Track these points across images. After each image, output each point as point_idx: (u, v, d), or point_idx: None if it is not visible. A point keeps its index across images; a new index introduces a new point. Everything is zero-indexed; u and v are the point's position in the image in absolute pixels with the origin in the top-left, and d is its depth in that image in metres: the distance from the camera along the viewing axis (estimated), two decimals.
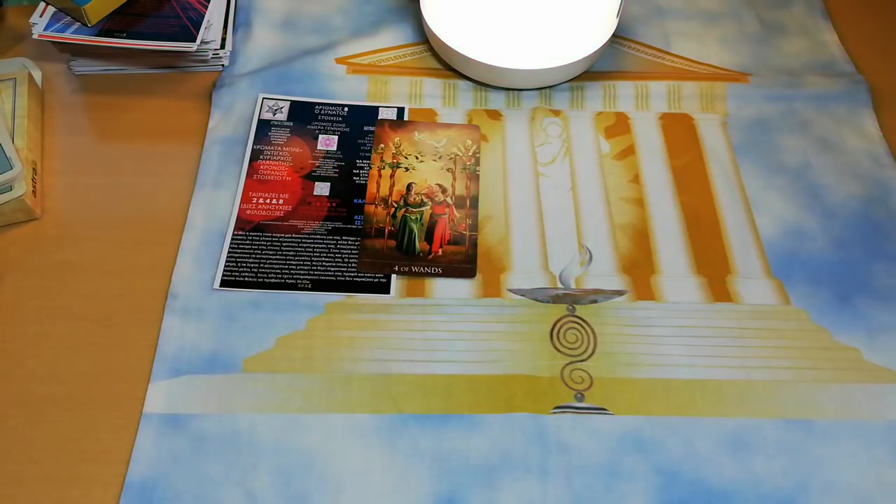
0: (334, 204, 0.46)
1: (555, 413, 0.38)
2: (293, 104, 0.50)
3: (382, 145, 0.48)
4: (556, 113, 0.51)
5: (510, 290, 0.42)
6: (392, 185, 0.47)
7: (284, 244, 0.44)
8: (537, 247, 0.44)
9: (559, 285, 0.43)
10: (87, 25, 0.48)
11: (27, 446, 0.37)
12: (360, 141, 0.49)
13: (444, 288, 0.42)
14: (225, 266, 0.43)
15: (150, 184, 0.46)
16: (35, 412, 0.38)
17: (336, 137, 0.49)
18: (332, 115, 0.50)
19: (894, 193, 0.47)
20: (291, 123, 0.49)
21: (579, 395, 0.39)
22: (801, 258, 0.44)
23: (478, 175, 0.47)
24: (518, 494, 0.35)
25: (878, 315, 0.42)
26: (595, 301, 0.42)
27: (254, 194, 0.46)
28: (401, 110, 0.51)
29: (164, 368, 0.39)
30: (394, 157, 0.48)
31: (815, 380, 0.39)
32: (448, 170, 0.47)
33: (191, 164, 0.47)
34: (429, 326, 0.41)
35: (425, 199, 0.46)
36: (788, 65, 0.54)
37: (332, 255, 0.43)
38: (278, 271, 0.43)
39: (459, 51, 0.50)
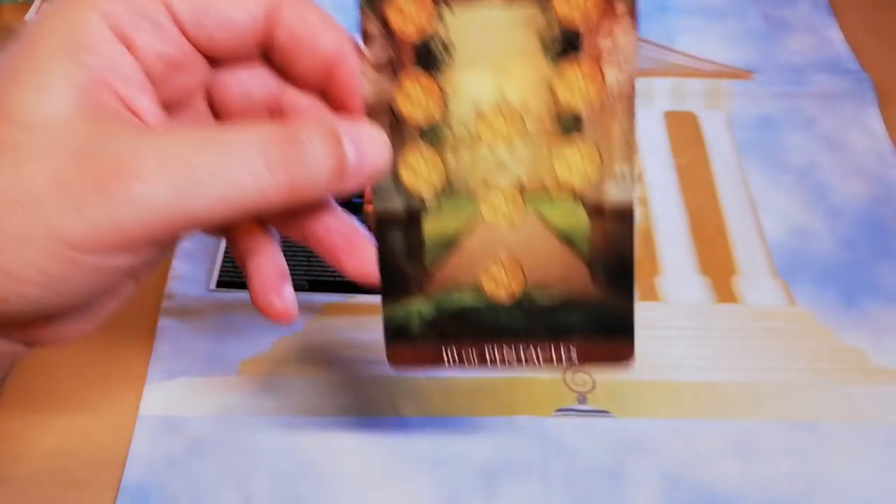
0: None
1: (556, 416, 0.37)
2: None
3: None
4: None
5: None
6: None
7: (282, 244, 0.43)
8: None
9: None
10: None
11: (21, 448, 0.36)
12: None
13: None
14: (221, 266, 0.42)
15: None
16: (29, 415, 0.37)
17: None
18: None
19: None
20: None
21: (581, 398, 0.38)
22: (806, 258, 0.44)
23: None
24: (519, 498, 0.35)
25: (884, 316, 0.41)
26: None
27: None
28: None
29: (159, 370, 0.38)
30: None
31: (820, 381, 0.39)
32: None
33: None
34: None
35: None
36: (793, 62, 0.53)
37: None
38: None
39: None
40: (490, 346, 0.23)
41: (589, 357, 0.23)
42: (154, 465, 0.36)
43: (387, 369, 0.38)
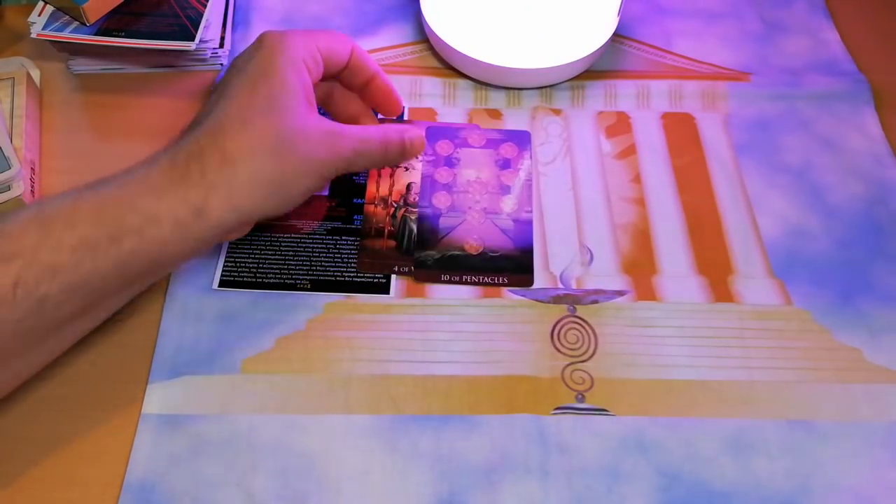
0: (333, 204, 0.46)
1: (555, 414, 0.38)
2: None
3: None
4: (557, 112, 0.51)
5: (510, 291, 0.42)
6: (392, 185, 0.46)
7: (283, 244, 0.44)
8: (537, 247, 0.44)
9: (560, 285, 0.42)
10: (85, 24, 0.48)
11: (25, 447, 0.36)
12: None
13: (444, 288, 0.42)
14: (224, 266, 0.42)
15: None
16: (32, 413, 0.38)
17: None
18: None
19: None
20: None
21: (580, 396, 0.38)
22: (802, 258, 0.44)
23: None
24: (518, 496, 0.35)
25: (880, 315, 0.42)
26: (596, 301, 0.42)
27: None
28: None
29: (162, 369, 0.39)
30: None
31: (816, 380, 0.39)
32: None
33: None
34: (428, 327, 0.41)
35: None
36: (790, 64, 0.54)
37: (331, 255, 0.43)
38: (277, 271, 0.42)
39: (460, 50, 0.50)
40: (465, 274, 0.43)
41: (512, 282, 0.42)
42: (157, 463, 0.36)
43: (386, 368, 0.39)
